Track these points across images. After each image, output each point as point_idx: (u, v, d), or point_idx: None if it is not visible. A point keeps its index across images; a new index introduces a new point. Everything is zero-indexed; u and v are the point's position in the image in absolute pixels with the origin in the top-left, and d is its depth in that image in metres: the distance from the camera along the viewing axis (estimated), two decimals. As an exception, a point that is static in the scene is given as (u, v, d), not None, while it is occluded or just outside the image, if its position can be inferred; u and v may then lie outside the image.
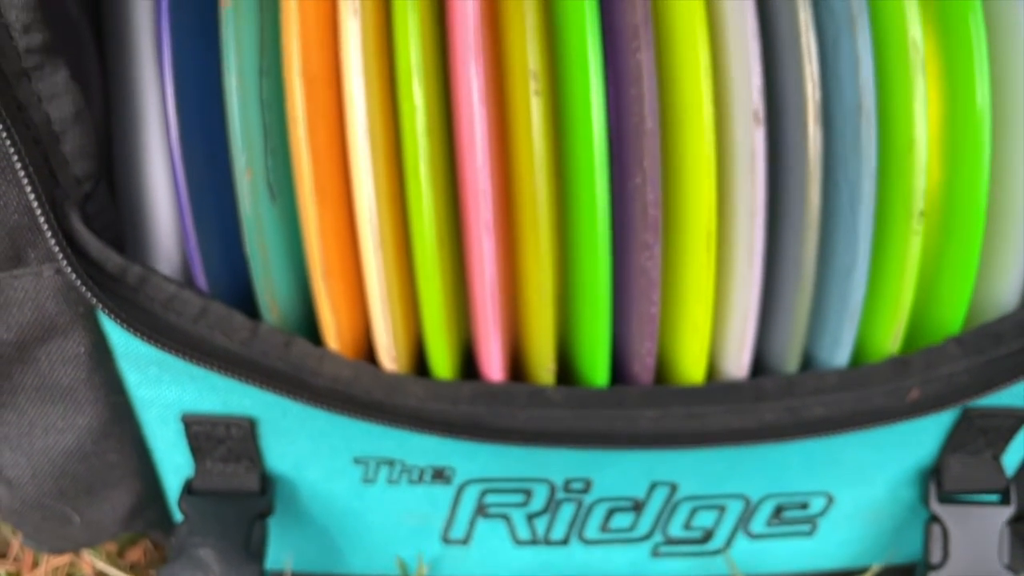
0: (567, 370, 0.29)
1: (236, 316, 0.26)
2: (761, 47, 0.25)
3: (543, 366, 0.28)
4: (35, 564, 0.36)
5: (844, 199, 0.26)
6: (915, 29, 0.25)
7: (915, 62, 0.25)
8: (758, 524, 0.32)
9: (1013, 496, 0.30)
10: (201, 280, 0.27)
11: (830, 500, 0.32)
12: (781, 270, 0.27)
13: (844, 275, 0.27)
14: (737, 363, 0.28)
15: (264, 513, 0.29)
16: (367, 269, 0.26)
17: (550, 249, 0.26)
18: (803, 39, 0.25)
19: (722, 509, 0.32)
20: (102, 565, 0.36)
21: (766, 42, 0.26)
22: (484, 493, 0.31)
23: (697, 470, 0.30)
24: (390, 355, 0.27)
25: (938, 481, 0.30)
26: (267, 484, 0.30)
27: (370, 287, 0.26)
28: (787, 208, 0.26)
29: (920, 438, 0.30)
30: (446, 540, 0.32)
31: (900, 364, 0.28)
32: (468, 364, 0.30)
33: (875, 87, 0.25)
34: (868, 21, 0.25)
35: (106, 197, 0.26)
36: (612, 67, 0.26)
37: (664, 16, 0.26)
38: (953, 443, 0.30)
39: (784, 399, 0.27)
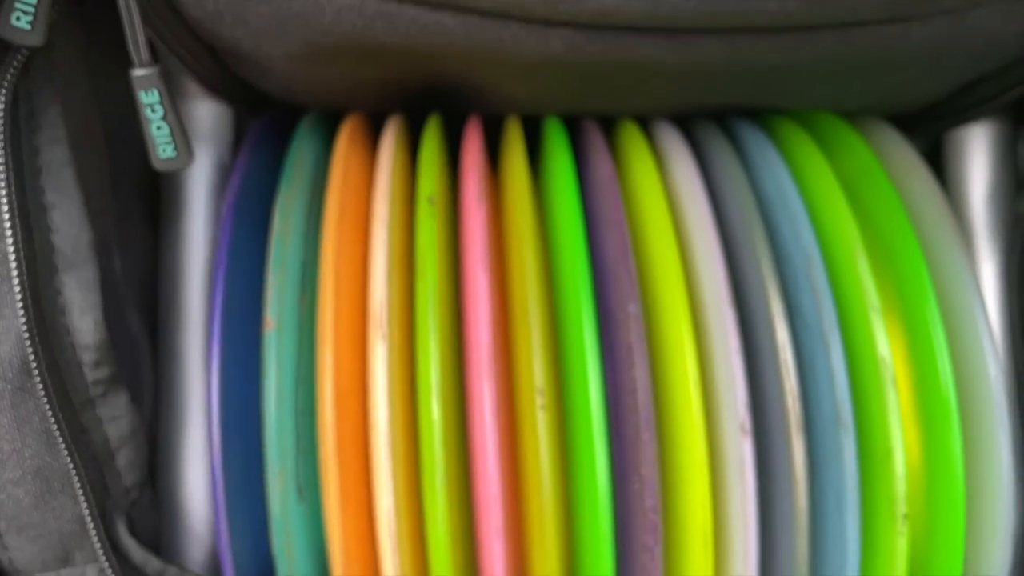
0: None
1: None
2: (744, 362, 0.28)
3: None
4: None
5: (831, 504, 0.28)
6: (883, 346, 0.28)
7: (886, 377, 0.28)
8: None
9: None
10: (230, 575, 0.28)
11: None
12: (776, 569, 0.28)
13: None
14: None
15: None
16: (384, 569, 0.28)
17: (556, 549, 0.28)
18: (782, 356, 0.28)
19: None
20: None
21: (748, 354, 0.29)
22: None
23: None
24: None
25: None
26: None
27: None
28: (778, 511, 0.28)
29: None
30: None
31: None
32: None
33: (851, 399, 0.28)
34: (839, 338, 0.28)
35: (150, 500, 0.28)
36: (612, 378, 0.29)
37: (656, 333, 0.29)
38: None
39: None
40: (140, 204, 0.32)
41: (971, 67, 0.29)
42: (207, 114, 0.33)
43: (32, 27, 0.23)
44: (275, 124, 0.35)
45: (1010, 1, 0.24)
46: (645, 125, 0.35)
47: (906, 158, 0.34)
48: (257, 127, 0.34)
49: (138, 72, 0.25)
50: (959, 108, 0.33)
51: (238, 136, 0.35)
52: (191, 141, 0.27)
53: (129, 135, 0.29)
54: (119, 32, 0.25)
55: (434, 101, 0.34)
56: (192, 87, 0.32)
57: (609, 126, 0.36)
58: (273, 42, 0.26)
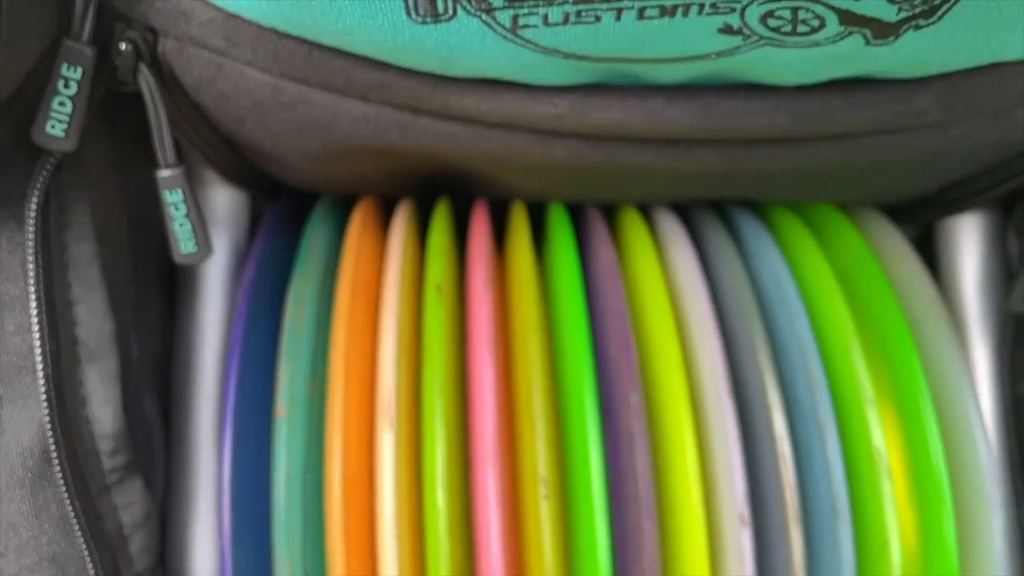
0: None
1: None
2: (743, 452, 0.29)
3: None
4: None
5: (828, 595, 0.28)
6: (878, 437, 0.29)
7: (881, 468, 0.29)
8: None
9: None
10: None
11: None
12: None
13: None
14: None
15: None
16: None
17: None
18: (779, 448, 0.29)
19: None
20: None
21: (746, 443, 0.30)
22: None
23: None
24: None
25: None
26: None
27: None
28: (777, 601, 0.28)
29: None
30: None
31: None
32: None
33: (847, 489, 0.29)
34: (836, 429, 0.29)
35: (159, 585, 0.29)
36: (614, 464, 0.30)
37: (657, 422, 0.30)
38: None
39: None
40: (158, 287, 0.33)
41: (958, 168, 0.30)
42: (224, 201, 0.34)
43: (66, 135, 0.24)
44: (289, 208, 0.36)
45: (986, 118, 0.25)
46: (646, 211, 0.36)
47: (898, 249, 0.35)
48: (272, 213, 0.35)
49: (164, 173, 0.26)
50: (949, 200, 0.35)
51: (254, 218, 0.36)
52: (210, 235, 0.28)
53: (150, 221, 0.30)
54: (143, 127, 0.26)
55: (444, 185, 0.35)
56: (210, 175, 0.34)
57: (611, 209, 0.37)
58: (291, 143, 0.28)
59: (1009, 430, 0.35)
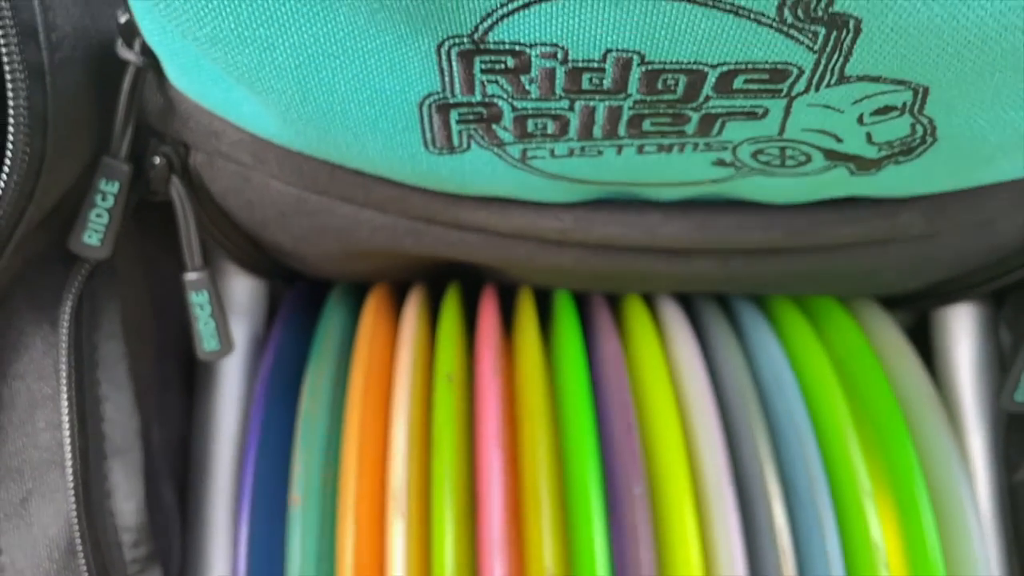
0: None
1: None
2: (744, 541, 0.30)
3: None
4: None
5: None
6: (875, 530, 0.30)
7: (879, 561, 0.30)
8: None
9: None
10: None
11: None
12: None
13: None
14: None
15: None
16: None
17: None
18: (780, 540, 0.30)
19: None
20: None
21: (747, 532, 0.31)
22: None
23: None
24: None
25: None
26: None
27: None
28: None
29: None
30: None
31: None
32: None
33: (846, 582, 0.29)
34: (834, 522, 0.30)
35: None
36: (619, 553, 0.31)
37: (661, 510, 0.31)
38: None
39: None
40: (178, 374, 0.34)
41: (947, 271, 0.31)
42: (244, 289, 0.36)
43: (102, 243, 0.26)
44: (306, 295, 0.38)
45: (970, 229, 0.26)
46: (649, 299, 0.38)
47: (894, 340, 0.36)
48: (289, 301, 0.36)
49: (191, 276, 0.28)
50: (941, 294, 0.36)
51: (272, 303, 0.38)
52: (231, 331, 0.29)
53: (171, 312, 0.32)
54: (169, 228, 0.28)
55: (454, 271, 0.37)
56: (230, 265, 0.35)
57: (616, 297, 0.39)
58: (311, 245, 0.29)
59: (1006, 518, 0.35)
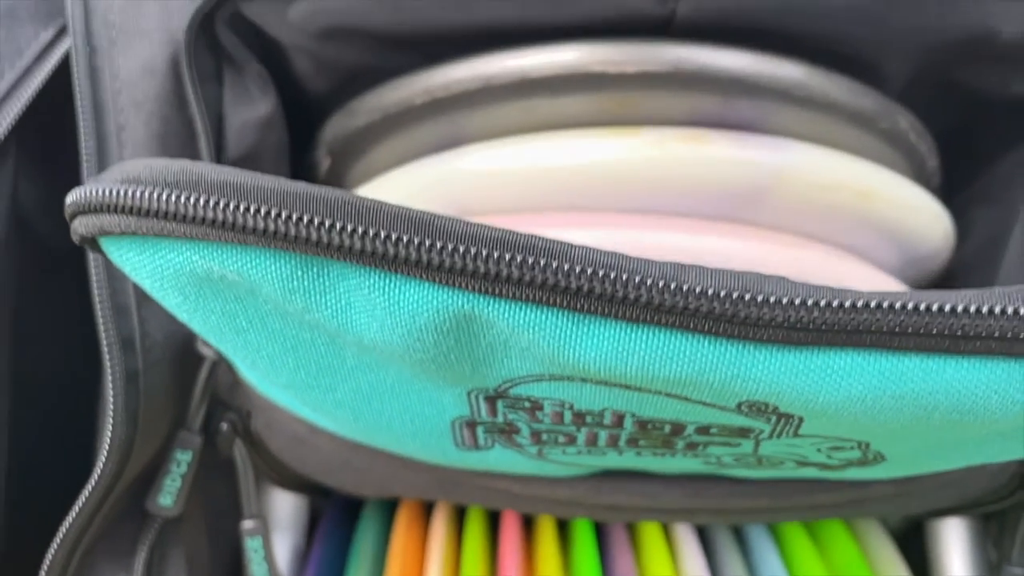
0: None
1: None
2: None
3: None
4: None
5: None
6: None
7: None
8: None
9: None
10: None
11: None
12: None
13: None
14: None
15: None
16: None
17: None
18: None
19: None
20: None
21: None
22: None
23: None
24: None
25: None
26: None
27: None
28: None
29: None
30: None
31: None
32: None
33: None
34: None
35: None
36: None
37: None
38: None
39: None
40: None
41: (925, 509, 0.34)
42: (286, 506, 0.39)
43: (174, 504, 0.30)
44: (342, 508, 0.41)
45: (938, 487, 0.30)
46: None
47: (886, 554, 0.39)
48: (327, 517, 0.40)
49: (248, 524, 0.31)
50: (932, 513, 0.39)
51: (313, 516, 0.41)
52: (280, 570, 0.33)
53: (222, 541, 0.35)
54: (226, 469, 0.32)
55: None
56: (273, 485, 0.39)
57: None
58: (352, 488, 0.33)
59: None
